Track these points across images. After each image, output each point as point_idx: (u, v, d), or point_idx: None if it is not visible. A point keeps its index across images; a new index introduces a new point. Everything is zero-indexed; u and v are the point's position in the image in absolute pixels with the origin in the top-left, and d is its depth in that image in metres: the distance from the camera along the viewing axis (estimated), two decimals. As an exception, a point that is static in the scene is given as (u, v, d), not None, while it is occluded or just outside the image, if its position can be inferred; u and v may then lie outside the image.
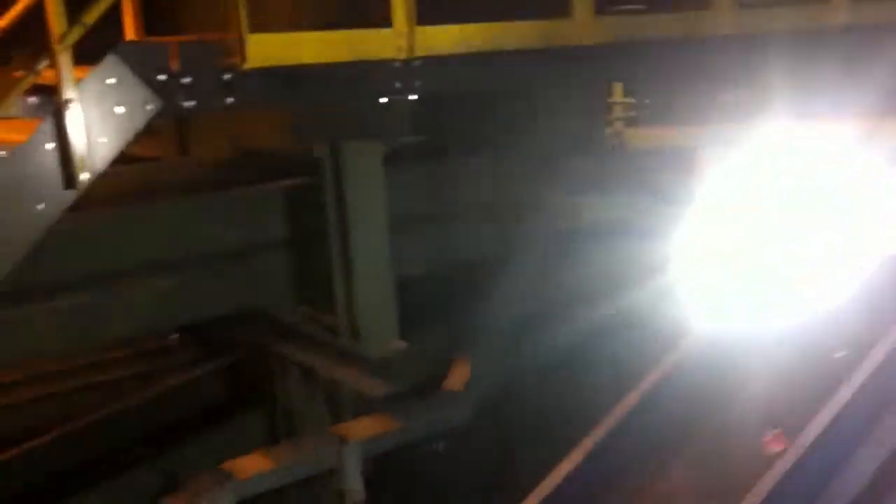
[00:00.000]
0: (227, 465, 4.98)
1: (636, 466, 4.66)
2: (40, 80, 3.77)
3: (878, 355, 4.54)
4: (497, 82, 5.18)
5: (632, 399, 4.83)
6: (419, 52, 4.58)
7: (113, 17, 3.98)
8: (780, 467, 4.10)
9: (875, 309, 4.89)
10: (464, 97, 5.61)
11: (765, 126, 5.50)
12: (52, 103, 3.73)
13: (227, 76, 4.10)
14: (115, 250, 4.78)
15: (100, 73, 3.79)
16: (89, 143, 3.75)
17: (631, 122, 6.60)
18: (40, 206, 3.70)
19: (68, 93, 3.68)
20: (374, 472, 5.31)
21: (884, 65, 5.54)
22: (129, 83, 3.85)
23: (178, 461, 5.51)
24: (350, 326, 5.32)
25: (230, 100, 4.14)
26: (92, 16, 3.65)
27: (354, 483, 5.16)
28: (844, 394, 4.35)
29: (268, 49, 4.12)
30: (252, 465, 5.02)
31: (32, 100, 3.98)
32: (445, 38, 4.69)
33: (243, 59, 4.05)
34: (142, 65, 3.88)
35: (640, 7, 5.77)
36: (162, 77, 3.94)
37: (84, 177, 3.74)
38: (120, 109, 3.83)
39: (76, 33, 3.64)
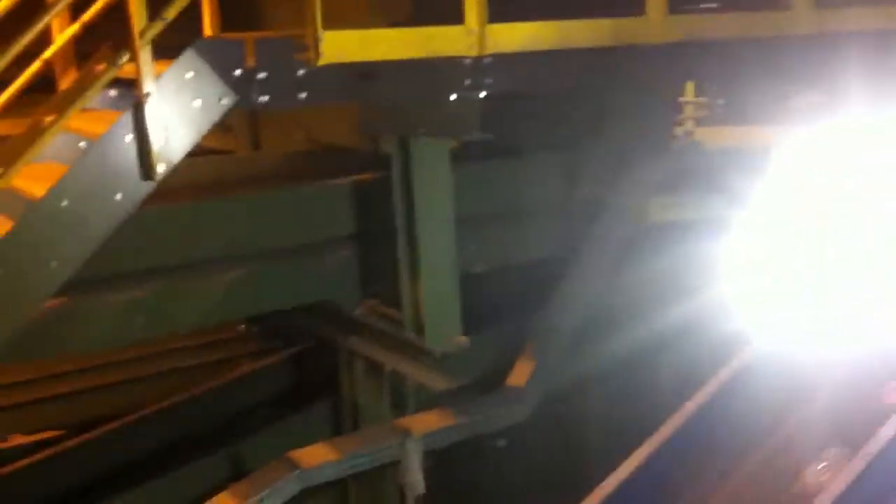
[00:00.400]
0: (293, 454, 5.06)
1: (697, 472, 4.63)
2: (121, 74, 3.87)
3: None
4: (567, 81, 5.17)
5: (693, 405, 4.80)
6: (490, 50, 4.60)
7: (192, 14, 4.06)
8: (844, 478, 4.04)
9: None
10: (534, 95, 5.61)
11: (838, 129, 5.41)
12: (131, 96, 3.83)
13: (301, 72, 4.16)
14: (187, 241, 4.88)
15: (178, 68, 3.88)
16: (166, 136, 3.84)
17: (703, 122, 6.53)
18: (118, 196, 3.80)
19: (147, 86, 3.78)
20: (434, 466, 5.34)
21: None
22: (206, 78, 3.93)
23: (244, 449, 5.61)
24: (415, 321, 5.35)
25: (303, 95, 4.21)
26: (172, 12, 3.74)
27: (415, 476, 5.20)
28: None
29: (341, 45, 4.18)
30: (316, 455, 5.10)
31: (113, 93, 4.09)
32: (516, 36, 4.70)
33: (317, 55, 4.10)
34: (219, 60, 3.95)
35: (713, 6, 5.71)
36: (238, 72, 4.01)
37: (160, 168, 3.84)
38: (196, 103, 3.91)
39: (156, 28, 3.73)
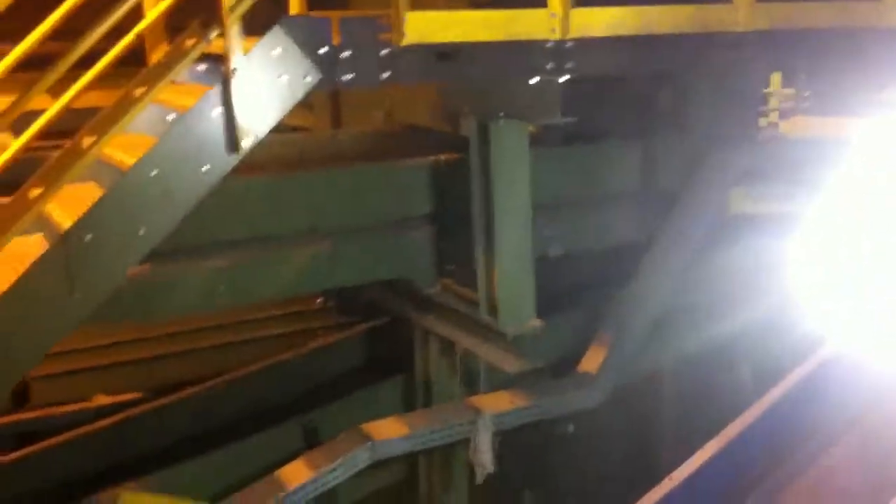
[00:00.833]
0: (365, 426, 5.16)
1: (768, 469, 4.59)
2: (210, 50, 3.98)
3: None
4: (650, 67, 5.14)
5: (768, 401, 4.74)
6: (572, 34, 4.61)
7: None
8: None
9: None
10: (616, 81, 5.58)
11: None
12: (219, 71, 3.94)
13: (384, 52, 4.23)
14: (270, 214, 5.01)
15: (266, 45, 3.97)
16: (252, 111, 3.95)
17: (788, 113, 6.41)
18: (204, 168, 3.92)
19: (235, 62, 3.89)
20: (504, 447, 5.39)
21: None
22: (292, 55, 4.02)
23: (318, 420, 5.73)
24: (489, 302, 5.38)
25: (386, 75, 4.27)
26: (261, -12, 3.84)
27: (485, 455, 5.25)
28: None
29: (424, 26, 4.24)
30: (388, 429, 5.19)
31: (202, 67, 4.20)
32: (599, 21, 4.70)
33: (400, 35, 4.17)
34: (305, 38, 4.04)
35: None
36: (323, 50, 4.10)
37: (246, 142, 3.95)
38: (282, 80, 4.01)
39: (245, 5, 3.83)
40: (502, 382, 5.57)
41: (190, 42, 3.92)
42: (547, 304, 5.46)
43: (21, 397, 5.94)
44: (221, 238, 4.86)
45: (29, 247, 3.69)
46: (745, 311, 6.03)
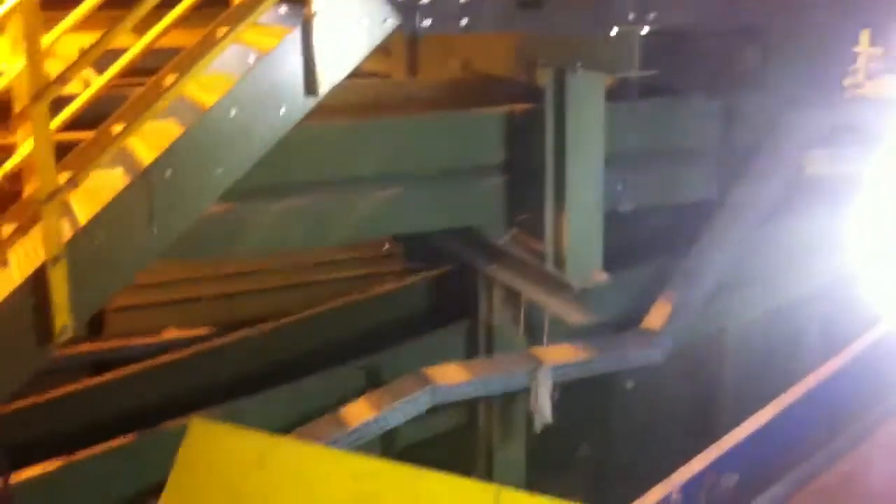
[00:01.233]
0: (427, 370, 5.23)
1: (834, 426, 4.56)
2: (292, -8, 4.00)
3: None
4: (734, 22, 5.03)
5: (831, 367, 4.70)
6: (657, -15, 4.54)
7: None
8: None
9: None
10: (698, 35, 5.47)
11: None
12: (300, 14, 3.94)
13: (464, -1, 4.21)
14: (344, 158, 5.03)
15: (347, -11, 3.98)
16: (331, 55, 3.95)
17: (875, 74, 6.24)
18: (282, 110, 3.95)
19: (316, 5, 3.89)
20: (563, 398, 5.42)
21: None
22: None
23: (381, 362, 5.81)
24: (556, 254, 5.37)
25: (464, 22, 4.25)
26: (343, -67, 3.83)
27: (544, 405, 5.29)
28: None
29: (506, -26, 4.20)
30: (450, 374, 5.25)
31: (283, 9, 4.21)
32: (684, -28, 4.61)
33: (482, -18, 4.14)
34: (386, -17, 4.03)
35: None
36: (404, -4, 4.09)
37: (324, 86, 3.96)
38: (362, 24, 4.00)
39: (328, -51, 3.83)
40: (565, 335, 5.58)
41: (273, -16, 3.93)
42: (615, 259, 5.43)
43: (96, 328, 6.13)
44: (295, 180, 4.91)
45: (111, 181, 3.76)
46: (816, 276, 5.95)
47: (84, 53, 3.59)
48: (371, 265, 6.88)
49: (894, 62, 5.96)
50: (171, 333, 6.28)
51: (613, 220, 5.43)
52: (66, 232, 3.61)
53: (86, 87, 3.62)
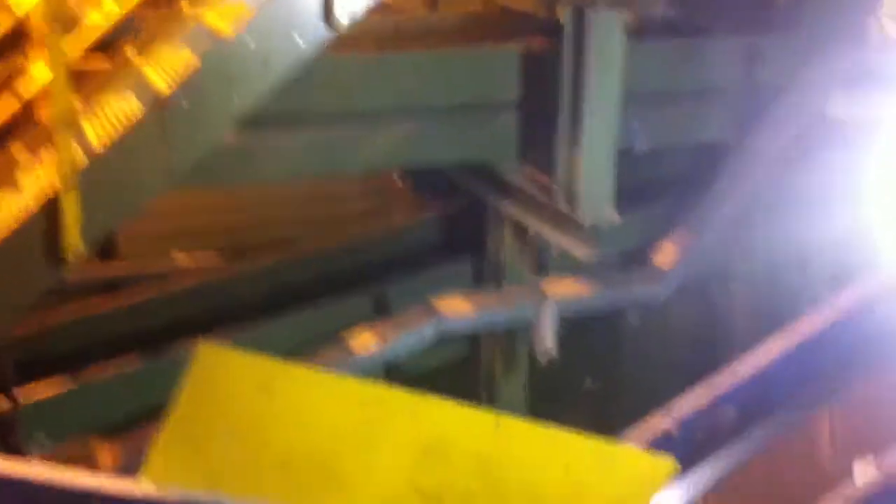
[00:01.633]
0: (433, 301, 5.25)
1: (843, 369, 4.58)
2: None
3: None
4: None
5: (838, 308, 4.69)
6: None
7: None
8: None
9: None
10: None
11: None
12: (322, -56, 3.89)
13: (487, -68, 4.12)
14: (362, 90, 4.98)
15: (369, -79, 3.91)
16: (351, -13, 3.91)
17: (900, 17, 6.12)
18: (301, 42, 3.92)
19: (337, -65, 3.83)
20: (568, 334, 5.45)
21: None
22: (394, -69, 3.95)
23: (388, 293, 5.83)
24: (567, 191, 5.35)
25: (486, -46, 4.17)
26: None
27: (548, 339, 5.32)
28: None
29: None
30: (456, 306, 5.28)
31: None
32: None
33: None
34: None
35: None
36: (426, -71, 4.01)
37: (343, 19, 3.92)
38: (382, -46, 3.95)
39: None
40: (573, 270, 5.59)
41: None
42: (627, 198, 5.41)
43: (108, 252, 6.14)
44: (311, 111, 4.86)
45: (127, 109, 3.75)
46: (827, 218, 5.93)
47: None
48: (380, 199, 6.86)
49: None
50: (181, 260, 6.30)
51: (629, 159, 5.40)
52: (81, 158, 3.62)
53: (105, 15, 3.58)
